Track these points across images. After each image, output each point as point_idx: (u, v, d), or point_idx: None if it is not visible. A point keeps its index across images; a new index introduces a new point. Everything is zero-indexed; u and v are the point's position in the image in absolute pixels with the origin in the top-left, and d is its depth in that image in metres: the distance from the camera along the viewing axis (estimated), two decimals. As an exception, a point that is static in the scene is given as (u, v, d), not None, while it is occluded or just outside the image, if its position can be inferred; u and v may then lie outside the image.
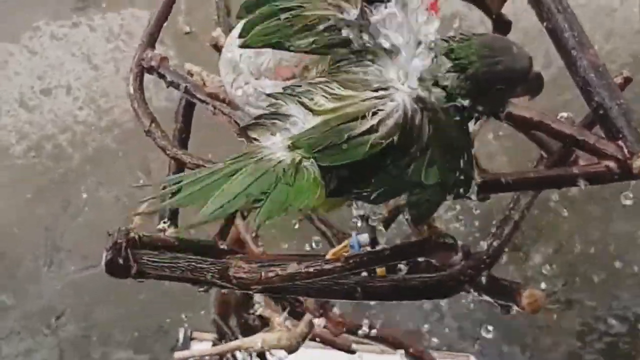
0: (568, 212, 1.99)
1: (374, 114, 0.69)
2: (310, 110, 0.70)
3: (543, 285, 1.88)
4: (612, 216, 1.97)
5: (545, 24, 0.87)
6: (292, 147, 0.67)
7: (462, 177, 0.71)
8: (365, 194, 0.70)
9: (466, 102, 0.72)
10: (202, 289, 1.09)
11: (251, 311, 1.38)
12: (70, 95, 2.36)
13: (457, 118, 0.72)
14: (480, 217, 1.95)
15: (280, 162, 0.67)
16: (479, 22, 2.52)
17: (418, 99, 0.71)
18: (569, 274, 1.94)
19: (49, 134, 2.26)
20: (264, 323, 1.40)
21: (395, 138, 0.68)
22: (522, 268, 1.94)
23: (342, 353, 1.37)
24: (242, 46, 0.76)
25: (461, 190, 0.72)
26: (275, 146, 0.68)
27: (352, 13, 0.76)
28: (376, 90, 0.71)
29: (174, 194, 0.67)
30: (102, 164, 2.19)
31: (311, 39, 0.74)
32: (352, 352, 1.36)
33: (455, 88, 0.71)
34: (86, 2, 2.57)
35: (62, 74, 2.40)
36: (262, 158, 0.67)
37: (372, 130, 0.68)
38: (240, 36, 0.78)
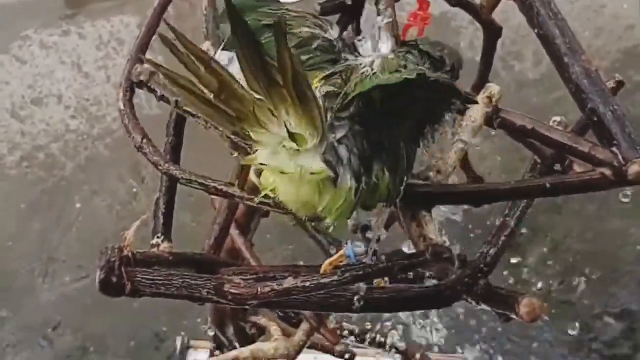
0: (563, 211, 1.99)
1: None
2: None
3: (540, 285, 1.88)
4: (608, 214, 1.97)
5: (536, 30, 0.86)
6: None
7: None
8: None
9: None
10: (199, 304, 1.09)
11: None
12: (62, 104, 2.35)
13: None
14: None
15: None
16: (469, 22, 2.52)
17: None
18: (566, 274, 1.94)
19: (41, 143, 2.25)
20: (261, 332, 1.39)
21: None
22: (518, 268, 1.94)
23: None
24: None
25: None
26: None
27: (333, 32, 0.78)
28: None
29: None
30: (95, 173, 2.18)
31: (306, 57, 0.73)
32: (352, 358, 1.36)
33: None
34: (75, 10, 2.56)
35: (52, 82, 2.39)
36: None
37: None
38: (224, 49, 0.78)
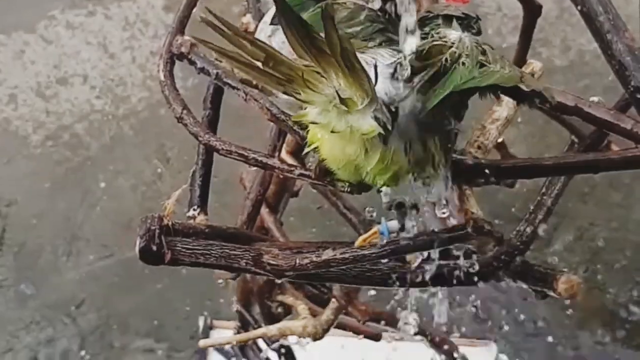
0: (589, 199, 1.98)
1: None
2: None
3: (563, 272, 1.87)
4: (633, 202, 1.96)
5: (579, 7, 0.85)
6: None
7: None
8: None
9: None
10: (232, 277, 1.09)
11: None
12: (87, 84, 2.35)
13: None
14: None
15: None
16: (496, 9, 2.51)
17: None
18: (590, 261, 1.93)
19: (66, 123, 2.26)
20: (287, 311, 1.39)
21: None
22: (543, 255, 1.94)
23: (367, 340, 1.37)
24: None
25: None
26: None
27: (375, 4, 0.77)
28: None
29: None
30: (120, 153, 2.19)
31: (358, 28, 0.73)
32: (378, 339, 1.36)
33: None
34: (101, -9, 2.57)
35: (78, 62, 2.40)
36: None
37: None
38: (272, 23, 0.78)
